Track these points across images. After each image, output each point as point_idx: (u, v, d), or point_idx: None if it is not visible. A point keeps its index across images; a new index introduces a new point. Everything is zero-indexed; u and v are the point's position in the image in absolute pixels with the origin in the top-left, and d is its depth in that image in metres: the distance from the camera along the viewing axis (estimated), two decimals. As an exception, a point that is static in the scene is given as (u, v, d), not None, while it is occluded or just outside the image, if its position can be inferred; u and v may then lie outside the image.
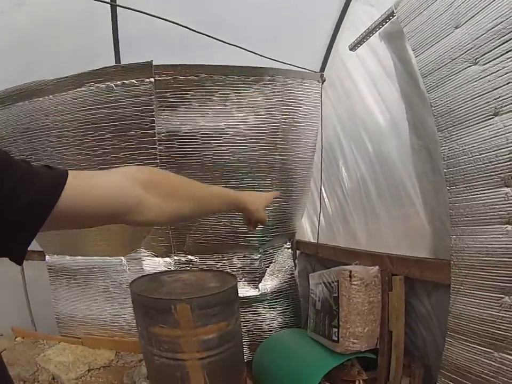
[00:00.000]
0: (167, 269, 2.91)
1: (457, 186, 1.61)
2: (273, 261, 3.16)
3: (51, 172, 0.61)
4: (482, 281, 1.51)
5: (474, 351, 1.52)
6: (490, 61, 1.40)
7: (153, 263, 2.94)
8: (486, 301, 1.49)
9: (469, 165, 1.54)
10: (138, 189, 0.72)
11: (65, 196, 0.60)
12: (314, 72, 2.71)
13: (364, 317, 2.10)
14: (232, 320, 2.09)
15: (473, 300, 1.55)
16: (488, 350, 1.47)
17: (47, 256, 3.08)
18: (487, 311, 1.48)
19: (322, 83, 2.73)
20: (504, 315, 1.42)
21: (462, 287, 1.61)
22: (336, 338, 2.13)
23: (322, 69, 2.72)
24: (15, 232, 0.56)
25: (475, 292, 1.54)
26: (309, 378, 2.08)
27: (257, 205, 1.09)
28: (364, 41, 2.22)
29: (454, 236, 1.63)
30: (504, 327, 1.42)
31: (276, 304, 3.11)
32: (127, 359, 2.81)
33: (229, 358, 2.07)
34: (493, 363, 1.44)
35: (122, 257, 2.97)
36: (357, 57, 2.36)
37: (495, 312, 1.45)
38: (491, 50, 1.40)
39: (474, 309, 1.54)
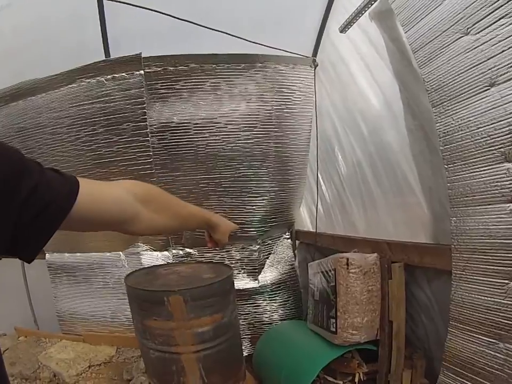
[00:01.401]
0: (165, 262, 2.78)
1: (455, 164, 1.43)
2: (273, 251, 3.00)
3: (63, 177, 0.64)
4: (485, 266, 1.34)
5: (478, 342, 1.35)
6: (483, 30, 1.26)
7: (152, 257, 2.82)
8: (490, 287, 1.32)
9: (467, 141, 1.37)
10: (137, 203, 0.78)
11: (78, 203, 0.63)
12: (306, 57, 2.53)
13: (363, 307, 1.93)
14: (228, 312, 1.93)
15: (476, 287, 1.37)
16: (492, 340, 1.30)
17: (46, 254, 2.98)
18: (492, 298, 1.31)
19: (315, 68, 2.55)
20: (510, 302, 1.25)
21: (464, 273, 1.43)
22: (334, 330, 1.96)
23: (315, 53, 2.54)
24: (31, 234, 0.58)
25: (478, 277, 1.37)
26: (307, 371, 1.93)
27: (226, 227, 1.15)
28: (354, 22, 2.07)
29: (454, 218, 1.45)
30: (509, 316, 1.25)
31: (276, 296, 2.95)
32: (127, 354, 2.70)
33: (225, 351, 1.92)
34: (498, 354, 1.27)
35: (120, 253, 2.85)
36: (348, 40, 2.20)
37: (500, 299, 1.28)
38: (482, 19, 1.26)
39: (477, 296, 1.37)
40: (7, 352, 2.77)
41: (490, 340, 1.31)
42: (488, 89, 1.27)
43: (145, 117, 2.42)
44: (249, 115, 2.56)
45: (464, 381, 1.39)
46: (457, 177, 1.43)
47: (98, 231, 0.81)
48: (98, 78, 2.39)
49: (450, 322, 1.47)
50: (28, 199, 0.55)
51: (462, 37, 1.33)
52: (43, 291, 3.05)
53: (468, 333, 1.39)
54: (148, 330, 1.86)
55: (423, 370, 1.81)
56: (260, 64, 2.46)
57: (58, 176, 0.64)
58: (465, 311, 1.41)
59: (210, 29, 2.16)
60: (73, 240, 2.84)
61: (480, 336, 1.34)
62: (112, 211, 0.74)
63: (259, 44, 2.30)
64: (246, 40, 2.24)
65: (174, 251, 2.83)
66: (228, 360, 1.97)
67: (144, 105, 2.40)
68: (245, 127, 2.57)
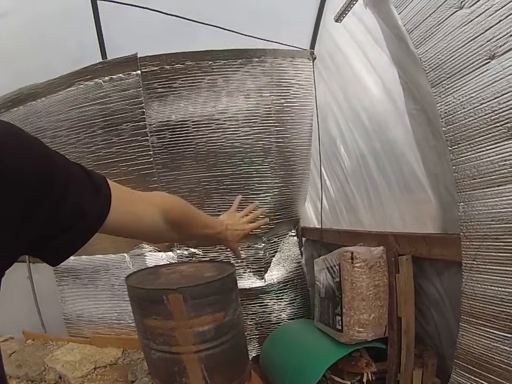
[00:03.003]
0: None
1: (459, 145, 1.29)
2: (279, 249, 2.86)
3: (93, 184, 0.58)
4: (498, 254, 1.19)
5: (493, 337, 1.20)
6: (477, 1, 1.15)
7: (156, 258, 2.73)
8: (503, 277, 1.17)
9: (469, 118, 1.23)
10: (165, 225, 0.77)
11: (110, 218, 0.60)
12: (304, 49, 2.41)
13: (370, 303, 1.79)
14: (230, 311, 1.82)
15: (488, 277, 1.23)
16: (508, 335, 1.15)
17: (52, 257, 2.93)
18: (506, 289, 1.16)
19: (313, 60, 2.43)
20: (526, 292, 1.09)
21: (475, 262, 1.28)
22: (340, 327, 1.82)
23: (312, 45, 2.41)
24: (61, 241, 0.55)
25: (490, 266, 1.22)
26: (313, 370, 1.80)
27: (231, 245, 1.14)
28: (348, 11, 1.96)
29: (462, 203, 1.31)
30: (526, 308, 1.09)
31: (284, 295, 2.82)
32: (133, 356, 2.63)
33: (228, 351, 1.80)
34: (513, 350, 1.12)
35: (125, 254, 2.78)
36: (345, 29, 2.07)
37: (515, 289, 1.12)
38: (476, -11, 1.13)
39: (490, 287, 1.22)
40: (14, 354, 2.75)
41: (505, 334, 1.16)
42: (489, 61, 1.14)
43: (144, 116, 2.36)
44: (248, 111, 2.46)
45: (478, 379, 1.24)
46: (463, 158, 1.28)
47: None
48: (95, 80, 2.34)
49: (462, 316, 1.33)
50: (57, 203, 0.50)
51: (457, 11, 1.22)
52: (49, 294, 3.00)
53: (481, 327, 1.25)
54: (148, 330, 1.77)
55: (434, 369, 1.66)
56: (257, 59, 2.37)
57: (89, 182, 0.57)
58: (477, 303, 1.27)
59: (205, 24, 2.08)
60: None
61: (494, 331, 1.20)
62: (140, 231, 0.74)
63: (255, 38, 2.20)
64: (242, 34, 2.15)
65: (178, 251, 2.73)
66: (231, 360, 1.85)
67: (142, 105, 2.34)
68: (244, 123, 2.48)
